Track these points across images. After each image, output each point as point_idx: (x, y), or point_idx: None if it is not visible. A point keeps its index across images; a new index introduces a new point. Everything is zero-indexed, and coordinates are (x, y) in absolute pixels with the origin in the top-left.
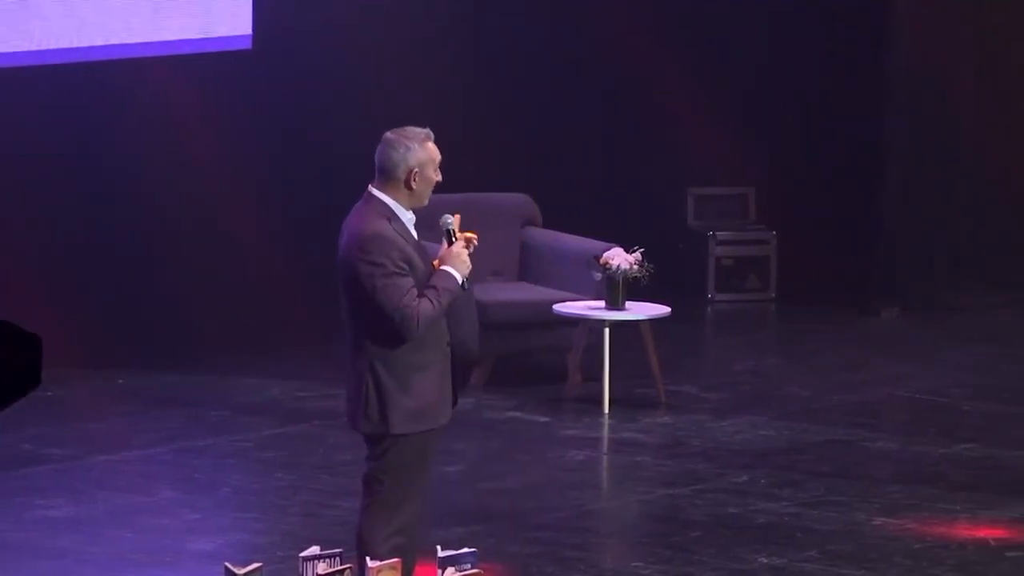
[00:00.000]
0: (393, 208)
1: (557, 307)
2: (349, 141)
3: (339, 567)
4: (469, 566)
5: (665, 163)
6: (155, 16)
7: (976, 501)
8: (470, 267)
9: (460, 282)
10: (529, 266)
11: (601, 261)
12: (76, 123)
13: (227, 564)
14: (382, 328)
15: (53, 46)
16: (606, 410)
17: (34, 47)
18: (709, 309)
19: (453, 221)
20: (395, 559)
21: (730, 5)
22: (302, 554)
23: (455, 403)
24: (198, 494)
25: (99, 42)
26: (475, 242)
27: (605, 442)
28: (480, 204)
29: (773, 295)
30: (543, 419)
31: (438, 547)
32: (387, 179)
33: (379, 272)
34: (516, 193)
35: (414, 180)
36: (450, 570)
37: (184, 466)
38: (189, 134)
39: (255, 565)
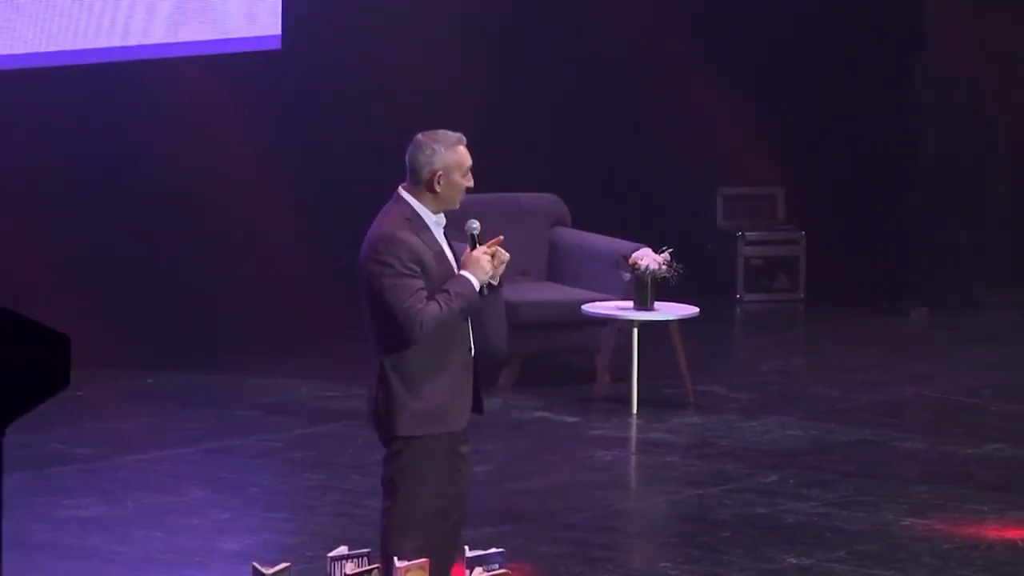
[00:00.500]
0: (417, 210)
1: (586, 307)
2: (376, 141)
3: (367, 567)
4: (497, 566)
5: (694, 163)
6: (184, 17)
7: (1004, 501)
8: (489, 273)
9: (477, 288)
10: (558, 266)
11: (630, 261)
12: (106, 123)
13: (255, 564)
14: (390, 328)
15: (82, 46)
16: (634, 410)
17: (63, 47)
18: (738, 309)
19: (478, 227)
20: (423, 559)
21: (761, 4)
22: (330, 554)
23: (480, 409)
24: (227, 494)
25: (130, 42)
26: (501, 252)
27: (633, 442)
28: (509, 204)
29: (802, 295)
30: (571, 419)
31: (466, 547)
32: (414, 181)
33: (387, 272)
34: (545, 193)
35: (438, 183)
36: (478, 570)
37: (213, 466)
38: (218, 134)
39: (283, 565)
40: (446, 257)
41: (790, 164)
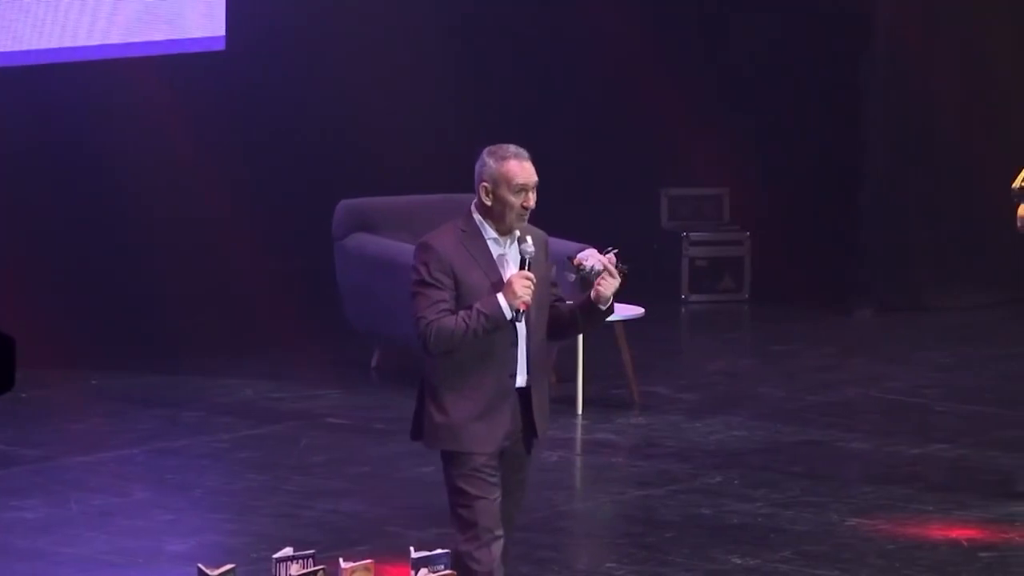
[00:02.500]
0: (477, 222)
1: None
2: (322, 141)
3: (312, 568)
4: (443, 567)
5: (639, 164)
6: (129, 18)
7: (950, 502)
8: (520, 297)
9: (507, 311)
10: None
11: (575, 262)
12: (51, 123)
13: (200, 565)
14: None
15: (26, 47)
16: (580, 411)
17: (6, 48)
18: (683, 310)
19: (531, 250)
20: (369, 561)
21: (706, 6)
22: (275, 555)
23: (532, 437)
24: (172, 495)
25: (75, 43)
26: (529, 281)
27: (579, 443)
28: (455, 204)
29: (747, 296)
30: None
31: (411, 548)
32: (475, 191)
33: (414, 278)
34: None
35: (488, 197)
36: (423, 571)
37: (158, 467)
38: (164, 135)
39: (228, 566)
40: (501, 278)
41: (735, 165)
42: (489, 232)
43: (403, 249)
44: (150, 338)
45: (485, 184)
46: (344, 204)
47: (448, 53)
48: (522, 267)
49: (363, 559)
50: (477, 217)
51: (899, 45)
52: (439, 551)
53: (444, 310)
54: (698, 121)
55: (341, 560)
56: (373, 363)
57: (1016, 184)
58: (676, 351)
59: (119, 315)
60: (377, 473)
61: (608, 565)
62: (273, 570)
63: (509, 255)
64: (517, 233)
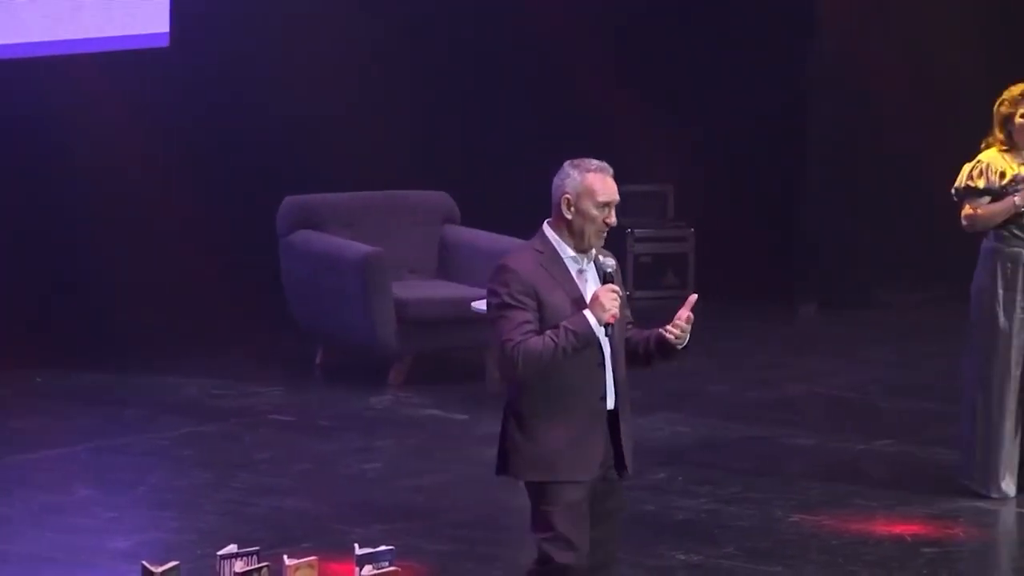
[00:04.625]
0: (553, 243)
1: (475, 304)
2: (267, 137)
3: (256, 565)
4: (387, 563)
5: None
6: (72, 14)
7: (893, 498)
8: (609, 311)
9: (594, 326)
10: (448, 264)
11: None
12: None
13: (144, 563)
14: (499, 361)
15: None
16: None
17: None
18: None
19: (612, 264)
20: (313, 558)
21: (649, 1)
22: (219, 552)
23: (622, 467)
24: (116, 493)
25: (17, 39)
26: (615, 295)
27: None
28: (400, 201)
29: (691, 292)
30: (461, 417)
31: (355, 545)
32: (554, 209)
33: (495, 302)
34: (435, 191)
35: (568, 209)
36: (367, 567)
37: (101, 465)
38: (108, 131)
39: (172, 564)
40: (582, 295)
41: (680, 161)
42: (567, 251)
43: (348, 246)
44: (94, 336)
45: (568, 196)
46: (289, 200)
47: (394, 50)
48: (605, 282)
49: (307, 556)
50: (552, 235)
51: (843, 40)
52: (383, 548)
53: (530, 331)
54: (643, 118)
55: (285, 557)
56: (317, 360)
57: (961, 183)
58: None
59: (62, 312)
60: (321, 470)
61: None
62: (217, 567)
63: (588, 273)
64: (593, 252)
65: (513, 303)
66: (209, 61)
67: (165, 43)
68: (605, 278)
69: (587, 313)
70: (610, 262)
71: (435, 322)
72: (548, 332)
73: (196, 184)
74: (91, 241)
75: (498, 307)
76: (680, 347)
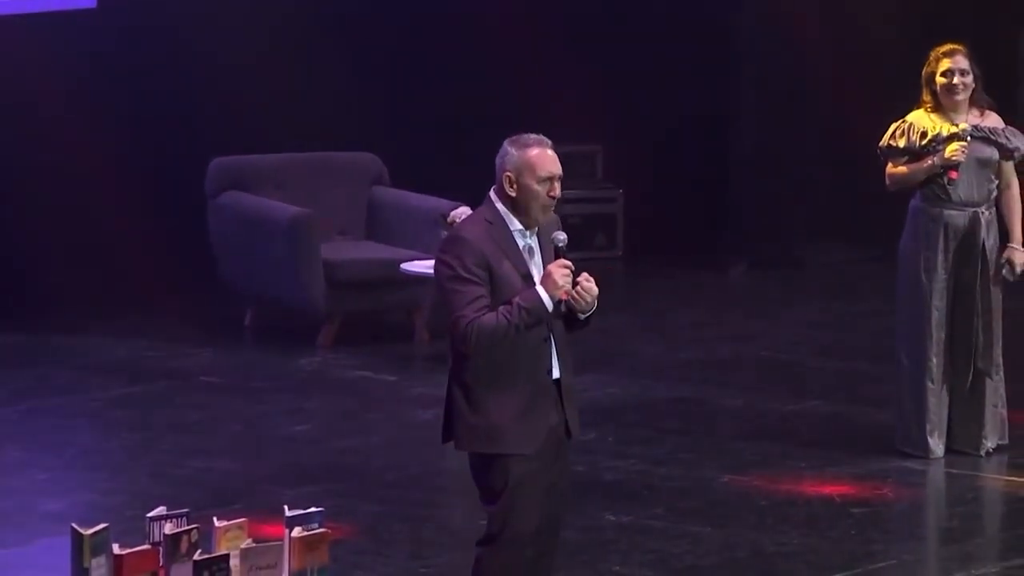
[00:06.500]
0: (501, 213)
1: (405, 266)
2: (196, 99)
3: (186, 527)
4: (316, 525)
5: (512, 121)
6: None
7: (823, 458)
8: (562, 287)
9: (548, 303)
10: (377, 225)
11: (449, 219)
12: None
13: (74, 525)
14: (450, 334)
15: None
16: None
17: None
18: None
19: (563, 239)
20: (243, 519)
21: None
22: (149, 514)
23: (569, 434)
24: (46, 454)
25: None
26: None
27: None
28: (327, 163)
29: (620, 253)
30: (391, 378)
31: (285, 507)
32: (497, 184)
33: (448, 273)
34: (363, 152)
35: (511, 187)
36: (297, 529)
37: (31, 426)
38: (34, 92)
39: (102, 525)
40: (529, 270)
41: (608, 122)
42: (514, 223)
43: (276, 207)
44: (21, 297)
45: (509, 174)
46: (217, 162)
47: (322, 10)
48: (556, 257)
49: (237, 518)
50: (500, 207)
51: (772, 3)
52: (313, 509)
53: (484, 307)
54: (570, 79)
55: (215, 519)
56: (246, 322)
57: (884, 142)
58: None
59: None
60: (250, 432)
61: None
62: (147, 529)
63: (533, 246)
64: (552, 230)
65: (467, 275)
66: (135, 23)
67: (93, 4)
68: (556, 252)
69: (539, 289)
70: (561, 236)
71: (364, 283)
72: (501, 309)
73: (123, 146)
74: (17, 203)
75: (450, 279)
76: (583, 317)
